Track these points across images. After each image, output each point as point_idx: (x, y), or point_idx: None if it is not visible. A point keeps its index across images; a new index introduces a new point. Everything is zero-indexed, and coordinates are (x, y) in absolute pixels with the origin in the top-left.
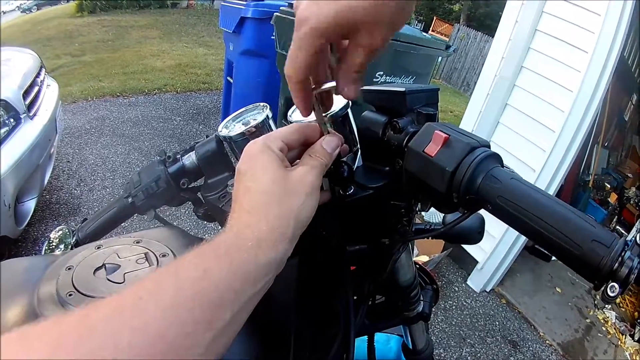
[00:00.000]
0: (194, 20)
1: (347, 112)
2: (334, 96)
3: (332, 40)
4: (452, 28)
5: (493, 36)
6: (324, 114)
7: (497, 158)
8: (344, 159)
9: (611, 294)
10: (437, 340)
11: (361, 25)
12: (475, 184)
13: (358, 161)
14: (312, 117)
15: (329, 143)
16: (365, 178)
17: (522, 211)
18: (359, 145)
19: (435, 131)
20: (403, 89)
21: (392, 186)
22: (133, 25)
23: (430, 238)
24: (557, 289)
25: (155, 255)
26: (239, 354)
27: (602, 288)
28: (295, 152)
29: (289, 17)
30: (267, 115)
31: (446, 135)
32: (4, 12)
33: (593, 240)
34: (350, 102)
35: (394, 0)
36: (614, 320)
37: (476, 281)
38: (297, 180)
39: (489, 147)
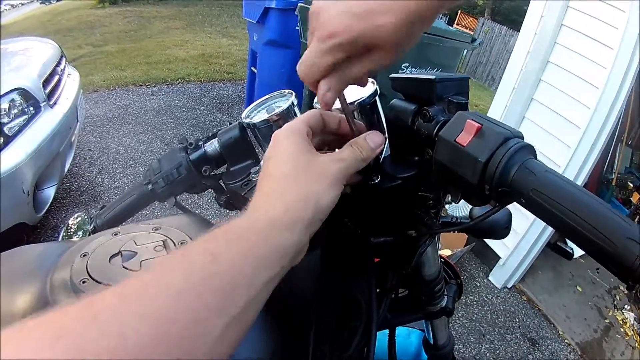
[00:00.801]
0: (217, 11)
1: (375, 100)
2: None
3: (352, 54)
4: (477, 22)
5: (518, 30)
6: (351, 101)
7: (530, 150)
8: None
9: None
10: (457, 336)
11: (381, 46)
12: (508, 176)
13: (385, 150)
14: (337, 104)
15: (374, 138)
16: (393, 168)
17: (556, 205)
18: (387, 134)
19: (468, 120)
20: (433, 77)
21: (421, 177)
22: (156, 16)
23: (456, 232)
24: (578, 288)
25: (173, 243)
26: (257, 348)
27: (636, 289)
28: (316, 138)
29: None
30: (293, 102)
31: (479, 124)
32: (22, 4)
33: (628, 238)
34: (378, 89)
35: (411, 25)
36: (632, 322)
37: (498, 277)
38: (321, 167)
39: (522, 138)
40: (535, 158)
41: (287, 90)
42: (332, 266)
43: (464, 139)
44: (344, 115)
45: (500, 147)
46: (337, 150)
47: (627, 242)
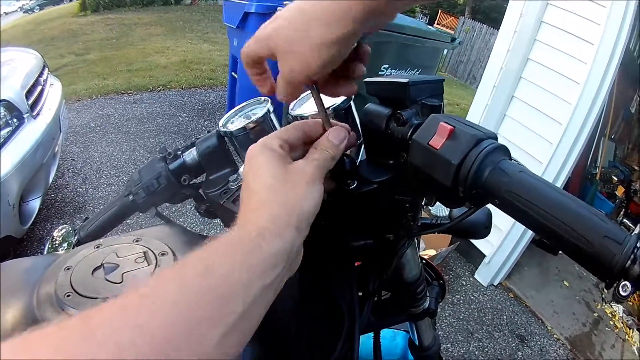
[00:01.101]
0: (198, 16)
1: (350, 105)
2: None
3: (262, 56)
4: (457, 21)
5: (498, 29)
6: (326, 107)
7: (504, 150)
8: (347, 152)
9: (623, 293)
10: (445, 335)
11: (280, 53)
12: (482, 178)
13: (361, 155)
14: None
15: (335, 135)
16: (369, 172)
17: (531, 206)
18: (362, 139)
19: (440, 123)
20: (406, 80)
21: (397, 180)
22: (137, 23)
23: (436, 233)
24: (565, 283)
25: (154, 254)
26: (242, 355)
27: (614, 287)
28: (299, 151)
29: None
30: (268, 110)
31: (451, 127)
32: (6, 13)
33: (605, 236)
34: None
35: (314, 35)
36: (621, 315)
37: (484, 275)
38: (296, 172)
39: (496, 139)
40: (510, 159)
41: (263, 98)
42: (312, 271)
43: (437, 141)
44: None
45: (473, 149)
46: None
47: (604, 241)
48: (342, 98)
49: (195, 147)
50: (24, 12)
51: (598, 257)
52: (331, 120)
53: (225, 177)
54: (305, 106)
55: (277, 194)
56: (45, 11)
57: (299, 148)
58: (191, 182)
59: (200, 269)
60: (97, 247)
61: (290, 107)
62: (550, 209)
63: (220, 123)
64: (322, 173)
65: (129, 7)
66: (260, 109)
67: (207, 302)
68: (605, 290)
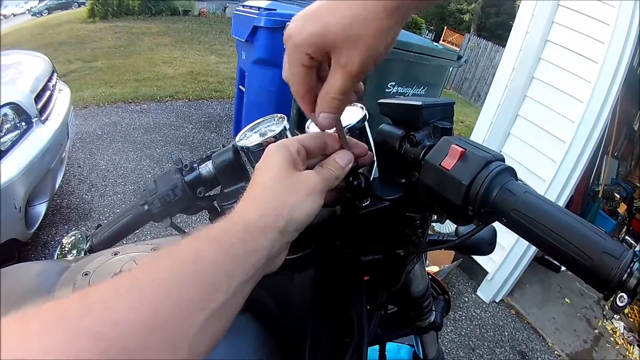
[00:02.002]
0: (206, 28)
1: (364, 125)
2: (352, 109)
3: (316, 57)
4: (463, 38)
5: (503, 46)
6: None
7: (511, 172)
8: (361, 170)
9: (620, 304)
10: (447, 351)
11: (340, 44)
12: (490, 198)
13: (374, 173)
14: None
15: (342, 157)
16: (382, 190)
17: (535, 224)
18: (375, 157)
19: (452, 145)
20: (419, 103)
21: (408, 198)
22: (145, 32)
23: (443, 250)
24: (566, 300)
25: None
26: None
27: (612, 298)
28: (315, 160)
29: None
30: (285, 127)
31: (462, 149)
32: (15, 15)
33: (603, 252)
34: (367, 115)
35: (373, 21)
36: (622, 331)
37: (486, 292)
38: (299, 180)
39: (503, 160)
40: (516, 179)
41: (279, 115)
42: (325, 285)
43: (449, 163)
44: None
45: (482, 170)
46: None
47: (602, 256)
48: (358, 118)
49: (211, 161)
50: (32, 15)
51: (597, 271)
52: (350, 139)
53: (239, 190)
54: (252, 138)
55: (272, 194)
56: (54, 15)
57: (316, 157)
58: (206, 195)
59: (191, 255)
60: (115, 255)
61: (307, 124)
62: (553, 226)
63: (237, 138)
64: (325, 188)
65: (137, 15)
66: (277, 125)
67: (194, 287)
68: (605, 306)
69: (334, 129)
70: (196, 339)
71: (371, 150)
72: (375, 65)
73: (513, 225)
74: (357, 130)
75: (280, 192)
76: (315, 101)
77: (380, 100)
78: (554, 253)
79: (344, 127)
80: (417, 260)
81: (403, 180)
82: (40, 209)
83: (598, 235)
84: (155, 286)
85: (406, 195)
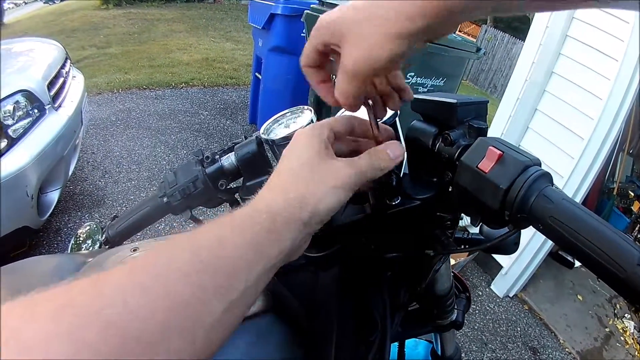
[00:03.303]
0: (221, 15)
1: (395, 121)
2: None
3: (331, 45)
4: (480, 29)
5: (520, 38)
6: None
7: (548, 177)
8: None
9: None
10: (459, 344)
11: (346, 38)
12: (528, 203)
13: (403, 170)
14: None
15: (394, 149)
16: (413, 188)
17: (571, 232)
18: (405, 154)
19: (490, 147)
20: (454, 101)
21: (439, 198)
22: (159, 19)
23: (469, 253)
24: (579, 297)
25: None
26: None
27: None
28: (342, 144)
29: (319, 14)
30: (312, 119)
31: (500, 152)
32: (26, 3)
33: (637, 264)
34: (398, 111)
35: (385, 27)
36: (632, 330)
37: (500, 286)
38: (329, 170)
39: (540, 165)
40: (552, 185)
41: (305, 107)
42: (349, 283)
43: (486, 165)
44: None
45: (521, 175)
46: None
47: (636, 269)
48: (389, 114)
49: (233, 152)
50: (44, 2)
51: (630, 283)
52: (389, 128)
53: (262, 184)
54: (277, 130)
55: (297, 184)
56: (66, 2)
57: (343, 140)
58: (228, 187)
59: (213, 242)
60: (134, 251)
61: (262, 130)
62: (589, 235)
63: (262, 130)
64: (362, 181)
65: (152, 2)
66: (304, 117)
67: (214, 274)
68: (617, 305)
69: (367, 117)
70: (213, 328)
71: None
72: (372, 71)
73: (549, 232)
74: (389, 126)
75: (307, 181)
76: (320, 76)
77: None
78: (587, 262)
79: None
80: (445, 260)
81: (435, 179)
82: (53, 196)
83: (633, 247)
84: (173, 272)
85: (438, 194)
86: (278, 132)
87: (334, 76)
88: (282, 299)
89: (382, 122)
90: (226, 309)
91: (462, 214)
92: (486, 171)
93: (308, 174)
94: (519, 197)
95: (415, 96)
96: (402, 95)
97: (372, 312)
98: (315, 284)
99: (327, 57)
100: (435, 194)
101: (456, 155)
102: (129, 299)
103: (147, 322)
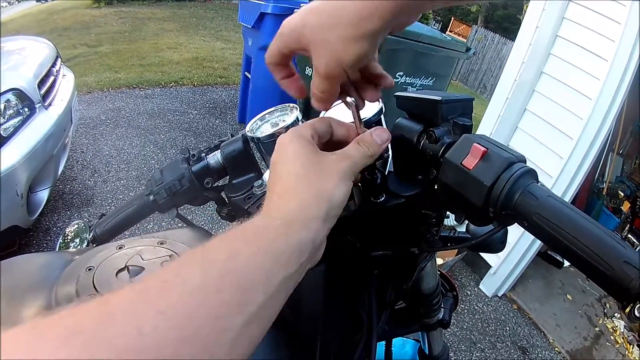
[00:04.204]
0: (211, 14)
1: (380, 118)
2: (367, 102)
3: (296, 49)
4: (470, 29)
5: (510, 39)
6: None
7: (533, 174)
8: (377, 163)
9: (638, 315)
10: (448, 344)
11: (311, 44)
12: (512, 200)
13: (389, 167)
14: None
15: (380, 134)
16: (397, 186)
17: (557, 229)
18: (390, 152)
19: (474, 144)
20: (439, 98)
21: (424, 195)
22: (150, 17)
23: (457, 250)
24: (568, 296)
25: None
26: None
27: (630, 308)
28: (324, 145)
29: None
30: (297, 117)
31: (484, 148)
32: (18, 1)
33: (624, 261)
34: (383, 108)
35: (341, 29)
36: (622, 330)
37: (488, 286)
38: (330, 164)
39: (525, 162)
40: (537, 182)
41: (291, 105)
42: (336, 282)
43: (470, 162)
44: (352, 125)
45: (505, 171)
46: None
47: (623, 266)
48: (374, 111)
49: (219, 150)
50: (36, 1)
51: (617, 281)
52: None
53: (248, 181)
54: (263, 128)
55: (307, 183)
56: (58, 1)
57: (324, 142)
58: (214, 185)
59: (225, 255)
60: (120, 248)
61: (248, 128)
62: (575, 233)
63: (248, 128)
64: (354, 170)
65: (143, 1)
66: (290, 115)
67: (230, 289)
68: (606, 304)
69: (351, 120)
70: (234, 344)
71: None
72: (344, 72)
73: (534, 229)
74: (374, 124)
75: (315, 179)
76: (283, 71)
77: (397, 94)
78: (574, 259)
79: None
80: (430, 258)
81: (420, 177)
82: (43, 195)
83: (619, 244)
84: (187, 290)
85: (422, 192)
86: (264, 130)
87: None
88: None
89: (368, 120)
90: (247, 322)
91: (448, 212)
92: (470, 168)
93: (312, 172)
94: (503, 194)
95: (401, 94)
96: (381, 83)
97: (358, 311)
98: (302, 282)
99: (290, 57)
100: (420, 192)
101: (440, 152)
102: (142, 325)
103: (164, 349)
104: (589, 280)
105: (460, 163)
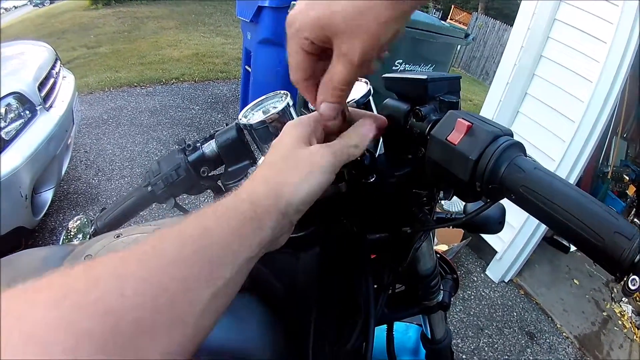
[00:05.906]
0: (210, 9)
1: (369, 100)
2: (357, 83)
3: (318, 43)
4: (471, 16)
5: (511, 25)
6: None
7: (520, 147)
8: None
9: (632, 287)
10: (455, 330)
11: (342, 32)
12: (498, 173)
13: (379, 149)
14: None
15: (366, 125)
16: (388, 166)
17: (545, 201)
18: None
19: (458, 119)
20: (424, 77)
21: (414, 174)
22: (149, 16)
23: (451, 227)
24: (575, 281)
25: None
26: (260, 343)
27: (624, 281)
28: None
29: None
30: (288, 103)
31: (469, 123)
32: (15, 7)
33: (615, 232)
34: (372, 89)
35: (379, 11)
36: (630, 314)
37: (495, 271)
38: (303, 157)
39: (511, 135)
40: (525, 155)
41: (282, 92)
42: (331, 264)
43: (455, 137)
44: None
45: (490, 144)
46: None
47: (614, 237)
48: (362, 93)
49: (214, 139)
50: (34, 6)
51: (608, 252)
52: (362, 111)
53: (244, 169)
54: (255, 115)
55: (275, 172)
56: (56, 5)
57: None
58: (210, 174)
59: (200, 231)
60: (117, 237)
61: (240, 116)
62: (564, 204)
63: (240, 115)
64: (338, 162)
65: (141, 0)
66: (280, 102)
67: (201, 263)
68: (614, 289)
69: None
70: (202, 315)
71: None
72: (377, 56)
73: (522, 202)
74: (362, 106)
75: (283, 170)
76: (317, 89)
77: (384, 75)
78: (564, 232)
79: (348, 101)
80: (425, 238)
81: (410, 156)
82: (47, 195)
83: (610, 214)
84: (163, 261)
85: (413, 170)
86: (256, 117)
87: None
88: (264, 280)
89: (356, 101)
90: (214, 295)
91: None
92: (455, 143)
93: (284, 163)
94: (489, 167)
95: (388, 75)
96: None
97: (354, 294)
98: (296, 265)
99: (316, 61)
100: (409, 171)
101: (427, 129)
102: (124, 288)
103: (143, 311)
104: (596, 265)
105: (446, 139)
